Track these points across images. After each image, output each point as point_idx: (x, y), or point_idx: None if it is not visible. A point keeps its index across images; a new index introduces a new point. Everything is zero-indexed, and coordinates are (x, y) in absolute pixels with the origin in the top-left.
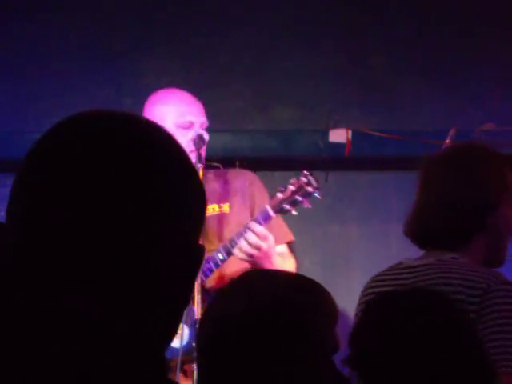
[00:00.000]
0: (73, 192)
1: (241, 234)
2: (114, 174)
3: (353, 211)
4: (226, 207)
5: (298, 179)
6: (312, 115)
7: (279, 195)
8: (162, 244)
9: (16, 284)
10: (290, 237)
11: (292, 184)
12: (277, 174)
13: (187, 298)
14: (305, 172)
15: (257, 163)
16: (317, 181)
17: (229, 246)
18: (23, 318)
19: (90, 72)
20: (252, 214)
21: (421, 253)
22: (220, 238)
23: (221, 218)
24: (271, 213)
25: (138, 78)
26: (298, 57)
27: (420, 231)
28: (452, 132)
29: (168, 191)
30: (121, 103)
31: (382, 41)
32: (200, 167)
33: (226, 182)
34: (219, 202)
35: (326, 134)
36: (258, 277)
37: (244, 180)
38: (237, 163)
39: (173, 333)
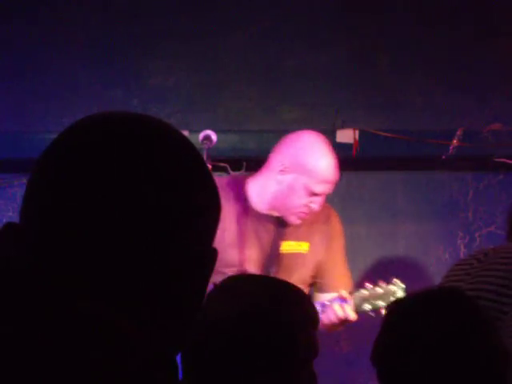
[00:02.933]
0: (90, 195)
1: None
2: (131, 178)
3: (360, 211)
4: (305, 246)
5: (388, 284)
6: (319, 115)
7: (364, 292)
8: (176, 248)
9: (29, 285)
10: (351, 288)
11: (380, 287)
12: None
13: (199, 302)
14: (395, 280)
15: (263, 164)
16: (403, 291)
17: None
18: (36, 321)
19: (97, 73)
20: (325, 256)
21: None
22: (292, 277)
23: (298, 257)
24: (350, 305)
25: (144, 79)
26: (305, 57)
27: None
28: (459, 132)
29: (182, 195)
30: (128, 104)
31: (388, 41)
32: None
33: (309, 218)
34: (298, 239)
35: (333, 135)
36: (244, 283)
37: (327, 218)
38: (243, 164)
39: (185, 337)
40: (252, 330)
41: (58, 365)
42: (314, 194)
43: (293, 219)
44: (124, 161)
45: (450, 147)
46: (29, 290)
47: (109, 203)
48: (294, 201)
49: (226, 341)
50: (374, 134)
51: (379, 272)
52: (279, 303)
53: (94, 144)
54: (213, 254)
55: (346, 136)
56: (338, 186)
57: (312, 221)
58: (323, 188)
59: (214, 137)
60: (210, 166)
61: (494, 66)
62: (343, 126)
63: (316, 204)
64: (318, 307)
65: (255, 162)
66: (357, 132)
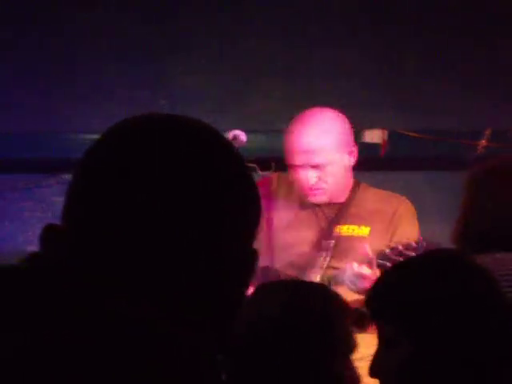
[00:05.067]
0: (134, 195)
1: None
2: (177, 181)
3: None
4: (366, 230)
5: (409, 242)
6: (347, 115)
7: (387, 251)
8: (220, 248)
9: (70, 285)
10: None
11: (402, 245)
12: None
13: (240, 302)
14: (420, 238)
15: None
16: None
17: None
18: (71, 321)
19: (124, 73)
20: (389, 241)
21: None
22: (347, 259)
23: (357, 240)
24: (374, 263)
25: (171, 80)
26: (332, 57)
27: (470, 236)
28: (487, 132)
29: (229, 198)
30: (155, 105)
31: (414, 41)
32: None
33: (374, 203)
34: (359, 223)
35: (360, 135)
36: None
37: (393, 205)
38: (272, 164)
39: (225, 336)
40: (292, 323)
41: (96, 366)
42: (300, 167)
43: (312, 198)
44: (169, 161)
45: (479, 147)
46: (69, 290)
47: (154, 203)
48: (298, 180)
49: (275, 338)
50: (403, 134)
51: None
52: (316, 303)
53: (137, 145)
54: (254, 255)
55: (375, 136)
56: None
57: (377, 206)
58: (299, 159)
59: (243, 137)
60: None
61: None
62: (371, 126)
63: (314, 178)
64: (353, 278)
65: (284, 162)
66: (386, 132)
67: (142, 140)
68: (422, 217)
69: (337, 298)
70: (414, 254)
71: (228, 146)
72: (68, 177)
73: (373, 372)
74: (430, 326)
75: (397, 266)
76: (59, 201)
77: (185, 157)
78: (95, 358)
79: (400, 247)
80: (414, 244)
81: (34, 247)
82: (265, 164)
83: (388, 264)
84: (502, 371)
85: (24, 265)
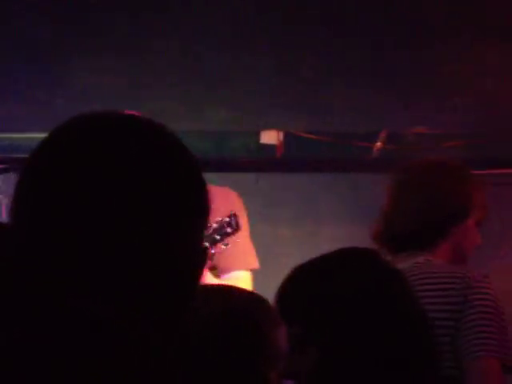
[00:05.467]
0: (81, 192)
1: None
2: (129, 179)
3: (284, 213)
4: None
5: (222, 218)
6: (244, 116)
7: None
8: (171, 246)
9: (19, 284)
10: (254, 264)
11: (216, 222)
12: (208, 175)
13: (190, 297)
14: (232, 212)
15: None
16: (237, 224)
17: None
18: (27, 319)
19: (24, 72)
20: None
21: None
22: None
23: None
24: None
25: (72, 79)
26: (231, 57)
27: (389, 236)
28: (383, 134)
29: (182, 197)
30: (54, 104)
31: (311, 42)
32: None
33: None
34: None
35: (257, 136)
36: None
37: (226, 200)
38: None
39: (173, 330)
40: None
41: (54, 364)
42: None
43: None
44: (122, 159)
45: (374, 149)
46: (19, 290)
47: (103, 201)
48: None
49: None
50: (298, 135)
51: None
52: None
53: (81, 142)
54: (205, 253)
55: (271, 137)
56: (262, 187)
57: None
58: None
59: None
60: None
61: (418, 69)
62: (267, 128)
63: None
64: None
65: None
66: (281, 133)
67: (90, 139)
68: (319, 219)
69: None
70: (229, 229)
71: (180, 146)
72: None
73: (286, 374)
74: (340, 327)
75: (308, 263)
76: None
77: (136, 155)
78: (48, 357)
79: (214, 225)
80: (227, 219)
81: None
82: None
83: (207, 244)
84: (414, 374)
85: None
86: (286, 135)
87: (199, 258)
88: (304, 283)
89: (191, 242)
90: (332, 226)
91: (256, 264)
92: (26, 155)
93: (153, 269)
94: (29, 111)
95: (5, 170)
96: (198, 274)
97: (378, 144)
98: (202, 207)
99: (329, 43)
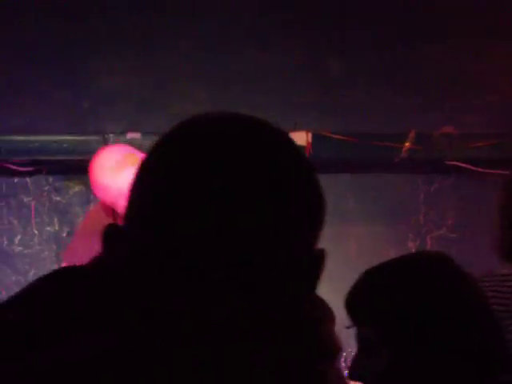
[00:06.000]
0: (212, 196)
1: None
2: (257, 182)
3: None
4: None
5: None
6: (272, 118)
7: None
8: (293, 247)
9: (137, 282)
10: None
11: None
12: None
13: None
14: None
15: None
16: None
17: None
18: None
19: (48, 73)
20: None
21: None
22: None
23: None
24: None
25: (96, 80)
26: (260, 59)
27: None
28: (411, 134)
29: (312, 197)
30: (79, 105)
31: (338, 44)
32: None
33: None
34: None
35: None
36: None
37: None
38: None
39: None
40: None
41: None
42: None
43: None
44: (248, 163)
45: (403, 150)
46: (137, 287)
47: (235, 203)
48: None
49: None
50: (327, 136)
51: (330, 274)
52: None
53: (202, 140)
54: (324, 254)
55: (299, 138)
56: None
57: None
58: None
59: None
60: None
61: (445, 68)
62: (295, 129)
63: None
64: None
65: None
66: (309, 134)
67: (220, 140)
68: (347, 219)
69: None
70: None
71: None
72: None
73: (353, 376)
74: (412, 329)
75: (379, 266)
76: None
77: (263, 157)
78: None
79: None
80: None
81: None
82: None
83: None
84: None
85: (88, 266)
86: (315, 136)
87: (319, 260)
88: (375, 286)
89: (310, 244)
90: (360, 226)
91: None
92: (54, 157)
93: (286, 268)
94: (56, 113)
95: (34, 173)
96: (319, 273)
97: (407, 144)
98: (324, 208)
99: (357, 44)
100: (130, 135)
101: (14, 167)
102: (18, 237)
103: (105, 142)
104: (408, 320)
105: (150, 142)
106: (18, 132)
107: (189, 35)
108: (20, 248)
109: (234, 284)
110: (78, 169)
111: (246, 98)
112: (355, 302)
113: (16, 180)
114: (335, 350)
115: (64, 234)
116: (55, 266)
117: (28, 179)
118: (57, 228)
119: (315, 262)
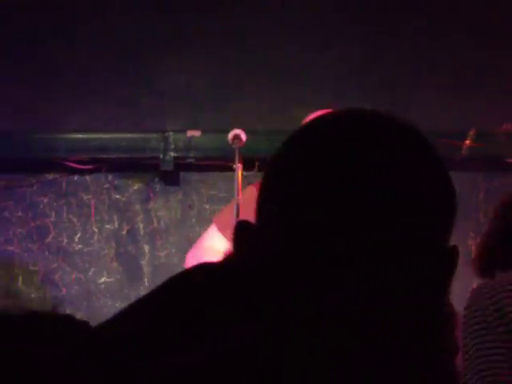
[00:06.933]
0: (340, 194)
1: None
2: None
3: None
4: None
5: None
6: None
7: None
8: (433, 244)
9: (273, 282)
10: None
11: None
12: None
13: (443, 300)
14: None
15: None
16: None
17: None
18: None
19: (105, 72)
20: None
21: None
22: None
23: None
24: None
25: (160, 78)
26: (321, 58)
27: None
28: (472, 132)
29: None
30: (138, 103)
31: (397, 39)
32: (239, 166)
33: None
34: None
35: None
36: None
37: None
38: (256, 164)
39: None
40: None
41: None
42: None
43: None
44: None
45: (463, 147)
46: (273, 287)
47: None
48: None
49: None
50: None
51: None
52: None
53: (335, 140)
54: (457, 250)
55: None
56: None
57: None
58: None
59: (243, 136)
60: (240, 166)
61: (507, 67)
62: None
63: None
64: None
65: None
66: None
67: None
68: None
69: None
70: None
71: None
72: (50, 176)
73: None
74: None
75: None
76: (39, 201)
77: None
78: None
79: None
80: None
81: (13, 247)
82: (248, 163)
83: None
84: None
85: (222, 264)
86: None
87: (454, 256)
88: None
89: (447, 241)
90: None
91: None
92: (113, 155)
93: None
94: (116, 111)
95: (93, 171)
96: (454, 270)
97: (467, 142)
98: (453, 208)
99: (414, 41)
100: (190, 133)
101: (74, 165)
102: (78, 235)
103: (164, 140)
104: None
105: (209, 139)
106: (78, 130)
107: (254, 33)
108: (80, 246)
109: (377, 278)
110: (137, 167)
111: (307, 96)
112: None
113: (76, 178)
114: (456, 348)
115: (123, 232)
116: (115, 264)
117: (88, 177)
118: (116, 226)
119: (450, 259)
